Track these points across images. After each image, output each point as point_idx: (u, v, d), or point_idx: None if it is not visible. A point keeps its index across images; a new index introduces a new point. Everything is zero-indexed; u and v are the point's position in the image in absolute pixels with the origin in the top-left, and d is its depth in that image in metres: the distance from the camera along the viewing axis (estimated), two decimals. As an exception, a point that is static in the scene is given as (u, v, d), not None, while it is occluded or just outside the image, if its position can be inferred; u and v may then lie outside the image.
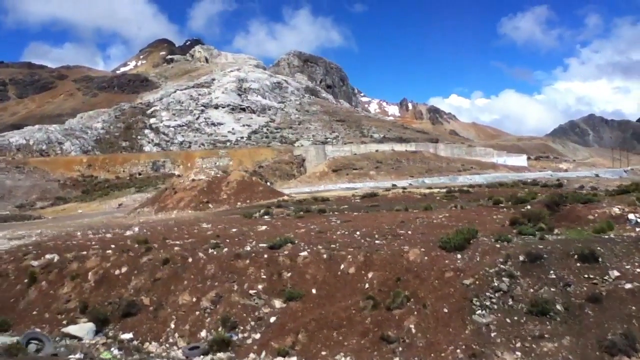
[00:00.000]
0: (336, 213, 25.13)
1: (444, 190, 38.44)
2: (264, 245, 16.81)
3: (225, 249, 16.95)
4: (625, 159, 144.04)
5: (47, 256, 18.34)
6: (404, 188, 44.84)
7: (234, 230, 21.07)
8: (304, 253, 15.83)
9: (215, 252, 16.82)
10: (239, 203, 37.62)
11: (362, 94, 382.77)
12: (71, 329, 14.82)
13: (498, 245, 14.64)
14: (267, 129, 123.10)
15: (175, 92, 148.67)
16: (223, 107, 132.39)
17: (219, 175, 42.23)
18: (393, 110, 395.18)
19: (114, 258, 17.50)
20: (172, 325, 14.49)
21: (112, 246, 18.85)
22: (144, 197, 65.66)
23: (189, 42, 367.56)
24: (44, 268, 17.70)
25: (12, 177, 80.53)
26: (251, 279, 15.38)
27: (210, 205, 37.61)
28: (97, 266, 17.27)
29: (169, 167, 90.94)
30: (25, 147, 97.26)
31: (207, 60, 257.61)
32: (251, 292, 14.92)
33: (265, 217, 25.29)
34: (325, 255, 15.57)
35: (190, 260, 16.62)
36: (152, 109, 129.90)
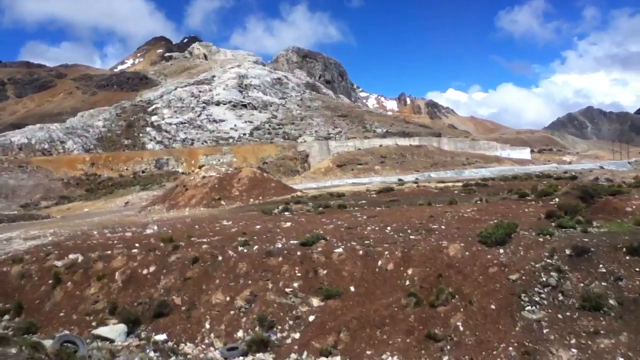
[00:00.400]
0: (356, 208, 24.71)
1: (459, 184, 38.04)
2: (295, 242, 16.41)
3: (256, 247, 16.55)
4: (625, 151, 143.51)
5: (71, 256, 17.93)
6: (415, 182, 44.40)
7: (258, 227, 20.65)
8: (339, 250, 15.44)
9: (245, 250, 16.43)
10: (251, 200, 37.18)
11: (360, 89, 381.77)
12: (102, 331, 14.41)
13: (541, 239, 14.28)
14: (270, 125, 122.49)
15: (175, 89, 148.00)
16: (224, 104, 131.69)
17: (229, 171, 41.75)
18: (391, 105, 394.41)
19: (140, 257, 17.09)
20: (207, 326, 14.11)
21: (137, 245, 18.43)
22: (149, 195, 65.20)
23: (186, 39, 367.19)
24: (69, 268, 17.29)
25: (15, 177, 79.96)
26: (286, 277, 14.99)
27: (222, 202, 37.17)
28: (123, 266, 16.86)
29: (173, 164, 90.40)
30: (27, 146, 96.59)
31: (205, 57, 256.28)
32: (287, 290, 14.54)
33: (286, 213, 24.85)
34: (361, 252, 15.19)
35: (220, 258, 16.22)
36: (153, 106, 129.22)
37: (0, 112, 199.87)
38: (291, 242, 16.58)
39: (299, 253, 15.70)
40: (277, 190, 38.68)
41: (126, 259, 17.13)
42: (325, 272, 14.85)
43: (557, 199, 20.52)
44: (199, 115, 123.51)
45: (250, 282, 15.11)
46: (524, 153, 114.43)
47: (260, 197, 37.45)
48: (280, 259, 15.62)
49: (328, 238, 16.42)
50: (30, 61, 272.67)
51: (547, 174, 54.11)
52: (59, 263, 17.62)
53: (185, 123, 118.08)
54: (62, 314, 15.74)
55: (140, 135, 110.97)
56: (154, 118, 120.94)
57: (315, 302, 14.07)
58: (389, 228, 17.64)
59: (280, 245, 16.34)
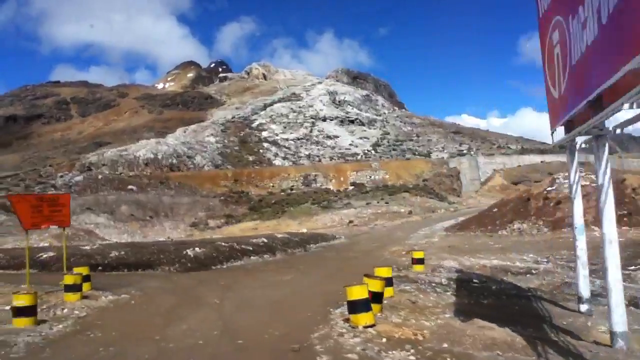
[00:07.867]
0: None
1: None
2: None
3: None
4: None
5: None
6: None
7: None
8: None
9: None
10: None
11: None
12: None
13: None
14: (387, 141, 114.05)
15: (264, 106, 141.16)
16: (332, 120, 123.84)
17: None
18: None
19: None
20: None
21: None
22: (359, 212, 56.39)
23: (213, 64, 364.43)
24: None
25: (165, 194, 71.89)
26: None
27: (640, 217, 27.94)
28: None
29: (321, 181, 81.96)
30: (153, 161, 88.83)
31: (265, 77, 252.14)
32: None
33: None
34: None
35: None
36: (257, 122, 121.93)
37: (68, 132, 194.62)
38: None
39: None
40: None
41: None
42: None
43: None
44: (310, 132, 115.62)
45: None
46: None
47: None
48: None
49: None
50: (89, 81, 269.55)
51: None
52: None
53: (302, 139, 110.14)
54: None
55: (261, 151, 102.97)
56: (264, 134, 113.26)
57: None
58: None
59: None
